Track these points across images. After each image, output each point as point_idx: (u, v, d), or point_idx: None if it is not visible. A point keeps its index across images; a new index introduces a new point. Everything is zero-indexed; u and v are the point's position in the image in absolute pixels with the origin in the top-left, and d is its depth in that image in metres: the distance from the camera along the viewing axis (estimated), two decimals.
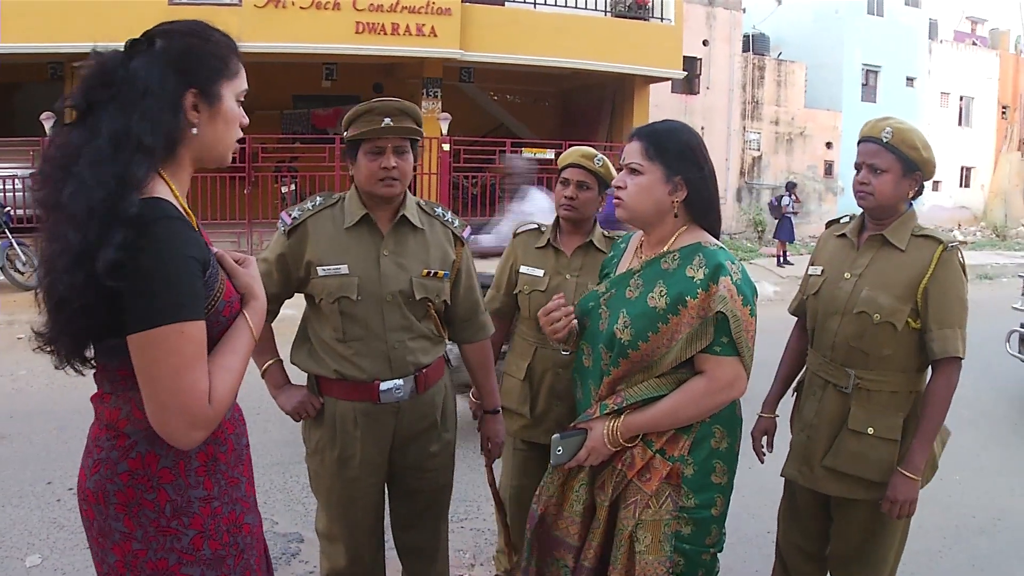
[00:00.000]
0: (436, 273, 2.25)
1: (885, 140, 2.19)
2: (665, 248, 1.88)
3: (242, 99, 1.45)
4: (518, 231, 2.83)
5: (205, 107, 1.38)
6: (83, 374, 1.40)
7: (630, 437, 1.83)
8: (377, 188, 2.15)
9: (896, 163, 2.19)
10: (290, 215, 2.21)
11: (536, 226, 2.80)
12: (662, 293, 1.81)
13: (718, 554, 1.87)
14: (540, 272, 2.67)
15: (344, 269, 2.15)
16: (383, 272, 2.17)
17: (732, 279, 1.76)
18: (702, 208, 1.89)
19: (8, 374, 5.87)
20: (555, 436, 1.89)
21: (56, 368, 1.38)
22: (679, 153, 1.85)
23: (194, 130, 1.37)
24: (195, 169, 1.45)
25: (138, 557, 1.35)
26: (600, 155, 2.63)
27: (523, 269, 2.72)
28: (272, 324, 2.34)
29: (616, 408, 1.84)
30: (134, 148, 1.27)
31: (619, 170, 1.94)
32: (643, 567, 1.79)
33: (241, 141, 1.49)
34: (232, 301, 1.41)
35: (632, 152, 1.88)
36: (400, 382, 2.21)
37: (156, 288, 1.24)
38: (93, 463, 1.38)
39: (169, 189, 1.35)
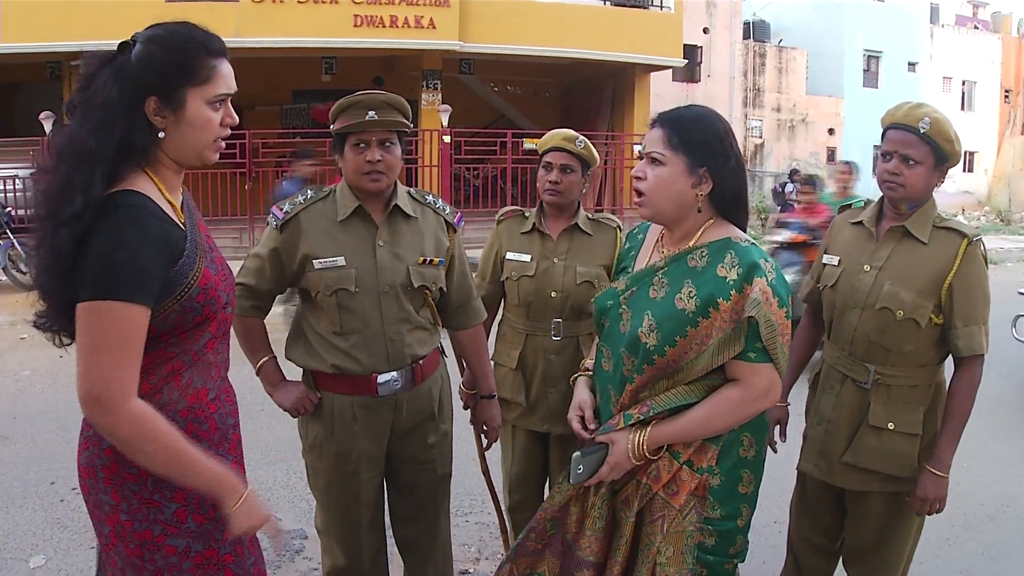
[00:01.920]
0: (432, 261, 2.24)
1: (923, 130, 2.05)
2: (691, 243, 1.73)
3: (218, 102, 1.45)
4: (501, 217, 2.78)
5: (169, 112, 1.41)
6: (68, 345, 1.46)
7: (655, 449, 1.70)
8: (362, 182, 2.13)
9: (930, 155, 2.08)
10: (282, 209, 2.19)
11: (520, 211, 2.75)
12: (691, 294, 1.66)
13: (739, 564, 1.80)
14: (527, 257, 2.63)
15: (341, 261, 2.14)
16: (380, 263, 2.16)
17: (767, 280, 1.62)
18: (728, 202, 1.74)
19: (11, 375, 5.85)
20: (575, 454, 1.72)
21: (56, 346, 1.48)
22: (704, 143, 1.68)
23: (161, 133, 1.41)
24: (182, 168, 1.49)
25: (126, 528, 1.43)
26: (581, 137, 2.58)
27: (509, 255, 2.67)
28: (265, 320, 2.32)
29: (641, 419, 1.70)
30: (80, 156, 1.34)
31: (640, 159, 1.79)
32: None
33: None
34: (208, 288, 1.45)
35: (653, 140, 1.72)
36: (397, 374, 2.20)
37: (102, 265, 1.30)
38: (83, 440, 1.46)
39: (153, 184, 1.41)
